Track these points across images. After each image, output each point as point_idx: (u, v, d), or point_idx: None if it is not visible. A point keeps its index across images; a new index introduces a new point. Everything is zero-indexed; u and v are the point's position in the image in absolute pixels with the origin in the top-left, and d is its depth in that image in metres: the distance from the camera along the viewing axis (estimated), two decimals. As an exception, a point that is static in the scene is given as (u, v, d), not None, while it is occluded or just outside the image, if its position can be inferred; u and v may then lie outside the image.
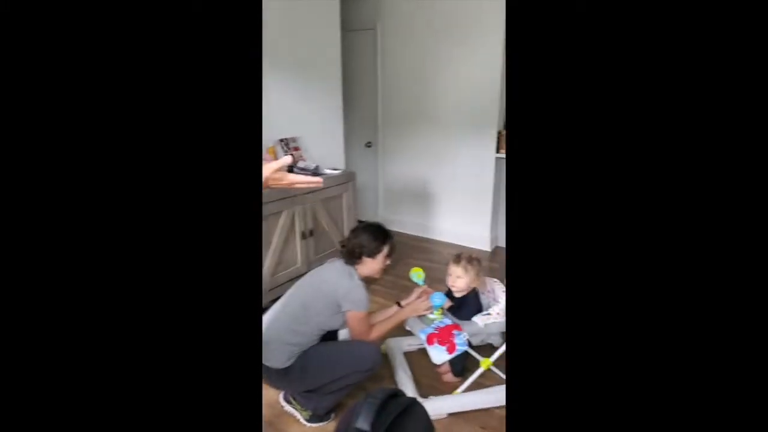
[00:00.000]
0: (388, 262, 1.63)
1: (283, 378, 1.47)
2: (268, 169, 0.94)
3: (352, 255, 1.56)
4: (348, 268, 1.56)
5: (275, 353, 1.44)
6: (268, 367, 1.44)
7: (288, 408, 1.63)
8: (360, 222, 2.02)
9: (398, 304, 1.80)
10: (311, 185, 0.99)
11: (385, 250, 1.58)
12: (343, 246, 1.61)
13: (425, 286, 1.76)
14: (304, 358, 1.47)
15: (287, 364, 1.44)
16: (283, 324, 1.47)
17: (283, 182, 0.91)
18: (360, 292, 1.51)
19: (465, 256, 1.75)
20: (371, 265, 1.58)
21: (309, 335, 1.49)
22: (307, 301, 1.51)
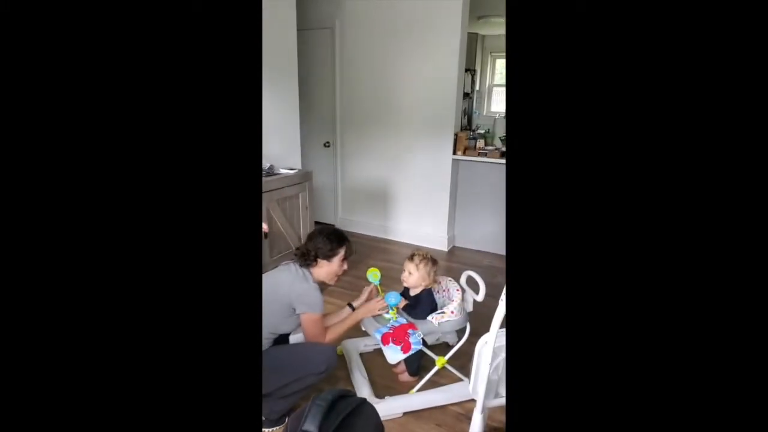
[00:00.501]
0: (345, 267, 1.61)
1: None
2: None
3: (306, 257, 1.53)
4: (303, 271, 1.53)
5: None
6: None
7: None
8: (317, 224, 1.98)
9: (350, 305, 1.79)
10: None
11: (342, 252, 1.56)
12: (298, 249, 1.59)
13: (374, 285, 1.76)
14: None
15: None
16: None
17: None
18: (315, 294, 1.48)
19: (420, 254, 1.77)
20: (327, 269, 1.56)
21: (260, 339, 1.44)
22: None
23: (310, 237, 1.58)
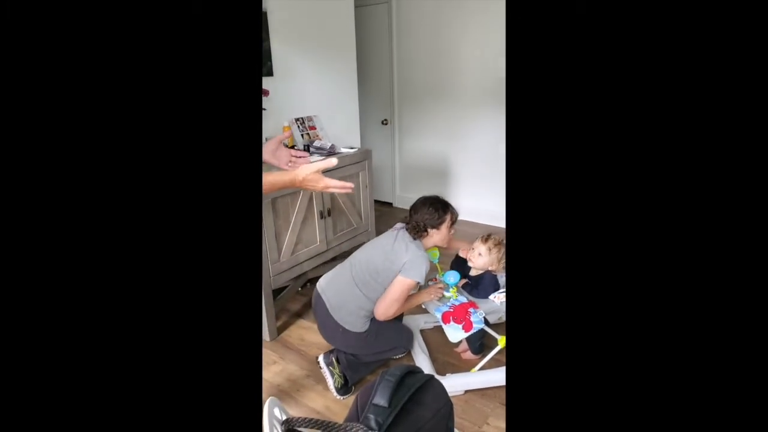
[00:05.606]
0: (452, 231, 1.70)
1: (359, 341, 1.57)
2: (309, 168, 0.99)
3: (417, 230, 1.61)
4: (416, 241, 1.61)
5: (351, 317, 1.55)
6: (346, 330, 1.55)
7: (323, 369, 1.63)
8: (376, 202, 1.99)
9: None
10: (343, 190, 1.03)
11: (448, 219, 1.64)
12: (406, 222, 1.67)
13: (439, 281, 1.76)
14: (377, 323, 1.58)
15: (364, 329, 1.56)
16: (354, 289, 1.56)
17: (319, 185, 0.99)
18: (422, 263, 1.54)
19: (495, 239, 1.73)
20: (437, 236, 1.64)
21: (375, 302, 1.57)
22: (377, 268, 1.57)
23: (415, 209, 1.65)
